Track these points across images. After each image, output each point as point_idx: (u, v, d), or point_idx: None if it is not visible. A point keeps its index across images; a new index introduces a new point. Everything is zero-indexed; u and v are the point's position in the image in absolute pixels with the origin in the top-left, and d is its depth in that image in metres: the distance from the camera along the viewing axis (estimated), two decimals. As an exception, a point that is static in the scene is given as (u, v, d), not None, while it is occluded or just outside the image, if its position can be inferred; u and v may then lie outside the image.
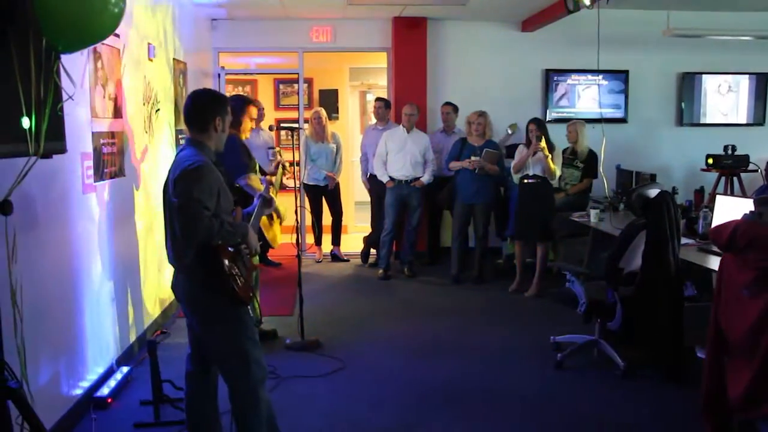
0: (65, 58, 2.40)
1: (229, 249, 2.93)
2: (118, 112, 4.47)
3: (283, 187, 5.45)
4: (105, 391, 3.93)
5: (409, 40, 7.78)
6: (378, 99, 7.73)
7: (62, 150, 2.38)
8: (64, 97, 2.35)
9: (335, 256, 7.94)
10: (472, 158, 6.58)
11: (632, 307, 4.30)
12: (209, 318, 2.96)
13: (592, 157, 6.81)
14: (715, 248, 4.44)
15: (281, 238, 5.08)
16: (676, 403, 3.96)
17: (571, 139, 6.89)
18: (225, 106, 3.02)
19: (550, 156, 6.10)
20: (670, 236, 4.12)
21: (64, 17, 2.29)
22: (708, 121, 8.27)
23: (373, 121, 7.94)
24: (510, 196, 7.08)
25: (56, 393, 3.52)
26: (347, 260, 7.90)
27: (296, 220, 5.18)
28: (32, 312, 3.02)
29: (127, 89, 4.67)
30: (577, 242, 6.69)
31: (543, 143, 6.06)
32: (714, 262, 4.20)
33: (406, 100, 7.33)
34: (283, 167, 5.34)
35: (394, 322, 5.59)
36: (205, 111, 2.96)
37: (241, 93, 9.18)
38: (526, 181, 6.30)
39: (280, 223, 4.98)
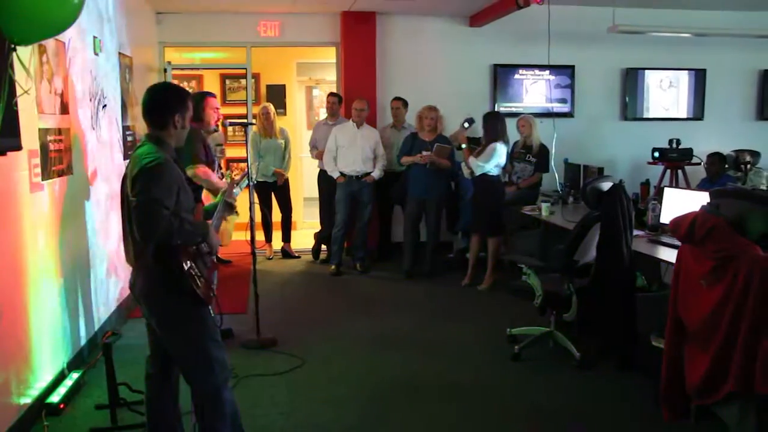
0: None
1: (189, 248, 2.86)
2: (64, 108, 4.31)
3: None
4: (57, 396, 3.79)
5: (359, 34, 7.74)
6: (331, 94, 7.66)
7: (18, 147, 2.28)
8: (19, 91, 2.23)
9: (286, 253, 7.87)
10: (423, 153, 6.60)
11: (587, 298, 4.38)
12: (169, 319, 2.88)
13: (544, 152, 6.88)
14: (664, 239, 4.57)
15: (231, 236, 4.97)
16: (632, 391, 4.05)
17: (525, 132, 6.89)
18: (185, 102, 2.92)
19: (465, 148, 6.19)
20: (623, 228, 4.20)
21: (20, 6, 2.14)
22: (651, 116, 8.49)
23: (321, 116, 7.86)
24: (461, 190, 7.12)
25: (5, 400, 3.37)
26: (298, 257, 7.84)
27: (250, 217, 5.09)
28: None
29: (73, 84, 4.51)
30: (528, 235, 6.77)
31: (461, 137, 6.16)
32: (663, 253, 4.33)
33: (355, 96, 7.29)
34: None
35: (349, 318, 5.57)
36: (164, 107, 2.86)
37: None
38: (475, 175, 6.35)
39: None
